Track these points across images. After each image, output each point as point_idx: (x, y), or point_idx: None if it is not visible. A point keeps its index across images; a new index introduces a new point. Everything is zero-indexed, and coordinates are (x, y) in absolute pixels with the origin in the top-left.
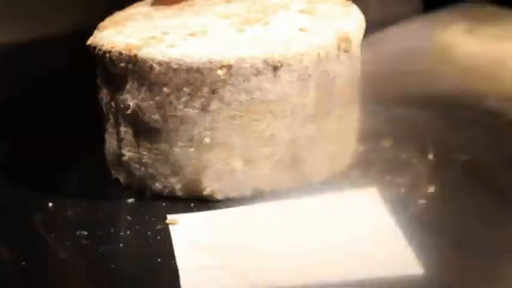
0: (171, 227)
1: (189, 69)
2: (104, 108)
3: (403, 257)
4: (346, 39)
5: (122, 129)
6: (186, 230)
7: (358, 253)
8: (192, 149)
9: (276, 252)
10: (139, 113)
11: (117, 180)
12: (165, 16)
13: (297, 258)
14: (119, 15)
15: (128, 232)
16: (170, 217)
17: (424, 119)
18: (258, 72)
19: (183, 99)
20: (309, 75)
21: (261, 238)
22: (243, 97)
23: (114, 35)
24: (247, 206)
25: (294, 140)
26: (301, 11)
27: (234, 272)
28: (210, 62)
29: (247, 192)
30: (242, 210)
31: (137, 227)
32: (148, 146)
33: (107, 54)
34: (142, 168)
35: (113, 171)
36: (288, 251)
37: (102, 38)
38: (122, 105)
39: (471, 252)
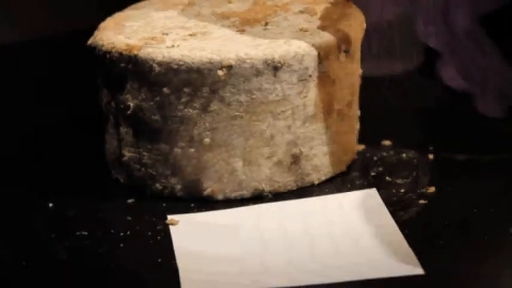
0: (171, 227)
1: (189, 70)
2: (104, 108)
3: (403, 257)
4: (346, 40)
5: (122, 129)
6: (186, 230)
7: (358, 253)
8: (192, 150)
9: (275, 252)
10: (140, 114)
11: (117, 180)
12: (165, 16)
13: (297, 259)
14: (119, 15)
15: (128, 232)
16: (170, 217)
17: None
18: (258, 73)
19: (183, 99)
20: (309, 76)
21: (260, 238)
22: (243, 97)
23: (114, 35)
24: (247, 207)
25: (294, 140)
26: (301, 12)
27: (234, 272)
28: (210, 63)
29: (247, 193)
30: (242, 210)
31: (137, 227)
32: (149, 146)
33: (107, 55)
34: (143, 169)
35: (113, 172)
36: (287, 251)
37: (102, 38)
38: (122, 106)
39: (471, 253)
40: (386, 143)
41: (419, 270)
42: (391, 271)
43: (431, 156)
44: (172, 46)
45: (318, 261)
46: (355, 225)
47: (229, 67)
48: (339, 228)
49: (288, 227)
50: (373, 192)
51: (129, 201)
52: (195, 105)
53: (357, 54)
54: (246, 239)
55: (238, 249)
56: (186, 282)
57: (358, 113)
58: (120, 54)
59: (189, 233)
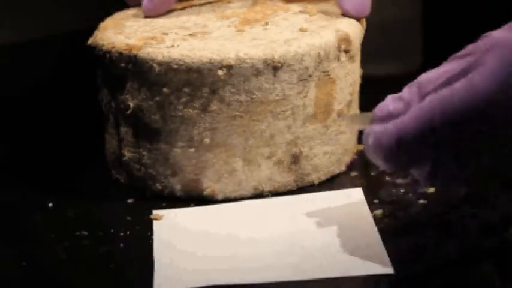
0: (154, 222)
1: (189, 70)
2: (104, 108)
3: (375, 256)
4: (346, 40)
5: (122, 129)
6: (169, 226)
7: (335, 251)
8: (192, 150)
9: (253, 250)
10: (140, 114)
11: (117, 180)
12: (165, 16)
13: (272, 256)
14: (119, 15)
15: (128, 232)
16: (156, 212)
17: None
18: (258, 73)
19: (183, 99)
20: (309, 76)
21: (240, 234)
22: (243, 97)
23: (114, 35)
24: (230, 203)
25: (294, 140)
26: (301, 12)
27: (208, 269)
28: (210, 63)
29: (247, 193)
30: (227, 206)
31: (137, 227)
32: (149, 146)
33: (107, 55)
34: (143, 169)
35: (113, 172)
36: (265, 249)
37: (102, 38)
38: (122, 106)
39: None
40: None
41: (389, 270)
42: (362, 270)
43: None
44: (172, 46)
45: (295, 258)
46: (338, 224)
47: (229, 67)
48: (320, 226)
49: (269, 224)
50: (357, 191)
51: (129, 201)
52: (195, 105)
53: (357, 54)
54: (227, 235)
55: (218, 243)
56: (160, 278)
57: (358, 113)
58: (120, 54)
59: (171, 228)
